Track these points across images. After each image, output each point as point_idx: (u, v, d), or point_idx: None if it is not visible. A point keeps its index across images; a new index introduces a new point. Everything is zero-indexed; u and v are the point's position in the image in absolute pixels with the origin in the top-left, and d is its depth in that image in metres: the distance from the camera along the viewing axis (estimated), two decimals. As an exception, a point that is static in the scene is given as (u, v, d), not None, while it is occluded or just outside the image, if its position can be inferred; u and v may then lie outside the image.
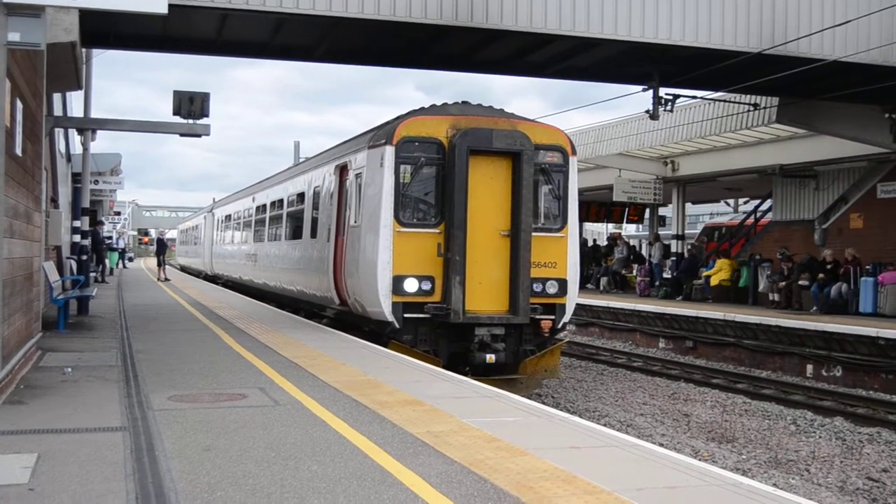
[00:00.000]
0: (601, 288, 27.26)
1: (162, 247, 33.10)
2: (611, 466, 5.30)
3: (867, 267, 18.94)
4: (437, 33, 13.73)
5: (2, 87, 6.80)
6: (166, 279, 29.88)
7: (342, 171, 13.95)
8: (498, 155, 11.81)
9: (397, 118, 12.87)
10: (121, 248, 52.09)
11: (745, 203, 36.28)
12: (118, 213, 64.32)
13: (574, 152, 12.75)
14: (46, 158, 14.75)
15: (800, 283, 20.00)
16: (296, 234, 17.59)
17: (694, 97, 19.43)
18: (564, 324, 12.64)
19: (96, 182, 26.50)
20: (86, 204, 16.48)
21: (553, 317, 12.24)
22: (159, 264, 31.65)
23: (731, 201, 38.76)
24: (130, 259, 49.74)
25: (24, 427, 6.04)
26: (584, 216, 29.12)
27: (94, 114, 18.41)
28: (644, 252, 30.29)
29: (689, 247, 27.23)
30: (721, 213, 40.09)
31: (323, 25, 13.44)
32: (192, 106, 12.70)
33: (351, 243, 12.86)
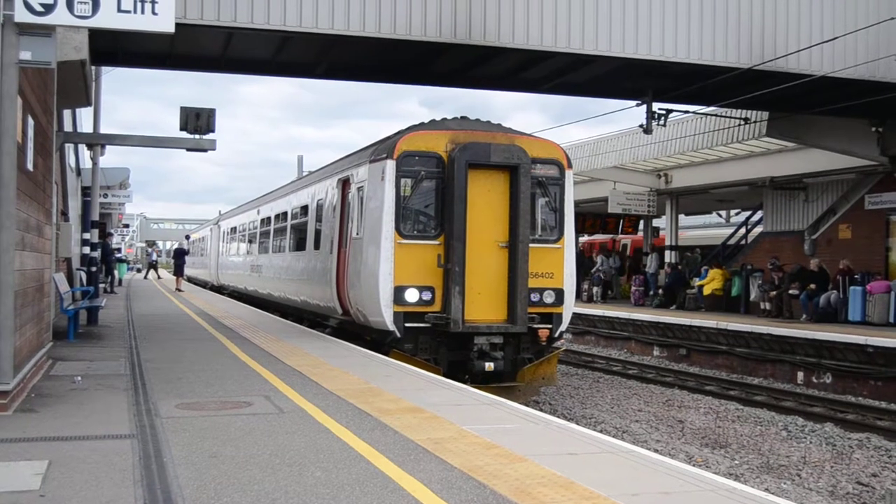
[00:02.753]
0: (593, 298, 27.55)
1: (182, 258, 33.32)
2: (607, 472, 5.34)
3: (856, 276, 19.25)
4: (436, 50, 13.98)
5: (13, 104, 6.94)
6: (178, 290, 30.09)
7: (344, 184, 14.16)
8: (496, 168, 12.01)
9: (398, 133, 13.10)
10: (153, 260, 53.06)
11: (737, 214, 36.63)
12: (127, 226, 64.58)
13: (570, 165, 12.95)
14: (57, 173, 14.87)
15: (790, 292, 20.30)
16: (299, 245, 17.76)
17: (686, 112, 19.68)
18: (561, 332, 12.81)
19: (105, 195, 26.56)
20: (95, 217, 16.64)
21: (550, 326, 12.41)
22: (181, 275, 31.99)
23: (724, 212, 39.15)
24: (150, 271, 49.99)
25: (36, 434, 6.14)
26: (580, 228, 29.39)
27: (104, 129, 18.60)
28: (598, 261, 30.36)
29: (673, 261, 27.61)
30: (712, 224, 40.40)
31: (325, 43, 13.67)
32: (198, 121, 12.88)
33: (353, 255, 13.05)
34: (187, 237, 49.08)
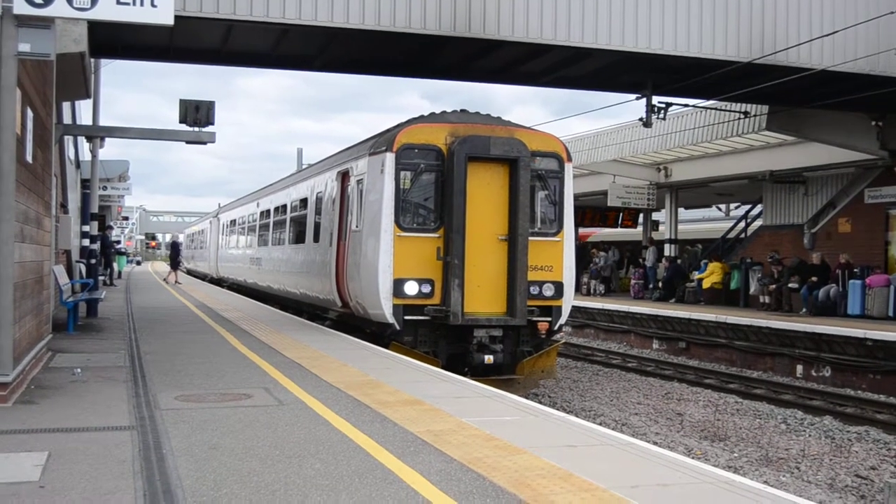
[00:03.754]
0: (591, 291, 27.55)
1: (176, 251, 33.30)
2: (606, 464, 5.37)
3: (855, 270, 19.28)
4: (436, 43, 13.95)
5: (13, 96, 6.94)
6: (177, 282, 30.09)
7: (344, 177, 14.18)
8: (495, 161, 12.02)
9: (397, 126, 13.12)
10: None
11: (737, 208, 36.65)
12: (126, 218, 64.56)
13: (569, 159, 12.97)
14: (56, 165, 14.90)
15: (790, 285, 20.33)
16: (299, 238, 17.79)
17: (686, 105, 19.67)
18: (561, 325, 12.84)
19: (105, 188, 26.65)
20: (94, 209, 16.70)
21: (550, 318, 12.43)
22: (177, 268, 31.94)
23: (723, 206, 39.14)
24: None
25: (35, 426, 6.16)
26: (580, 221, 29.40)
27: (104, 121, 18.65)
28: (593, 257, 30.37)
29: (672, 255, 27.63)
30: (712, 217, 40.42)
31: (324, 36, 13.65)
32: (197, 114, 12.87)
33: (353, 247, 13.07)
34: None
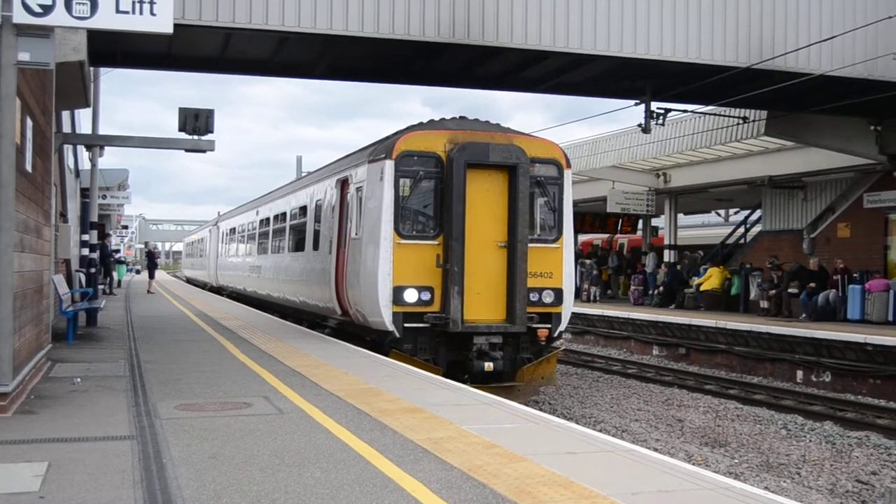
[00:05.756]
0: (592, 298, 27.53)
1: (153, 260, 33.22)
2: (606, 471, 5.37)
3: (855, 275, 19.29)
4: (435, 50, 14.00)
5: (12, 105, 6.93)
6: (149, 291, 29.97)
7: (343, 184, 14.18)
8: (494, 168, 12.02)
9: (396, 133, 13.12)
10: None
11: (736, 213, 36.69)
12: (126, 227, 64.51)
13: (569, 165, 12.97)
14: (56, 174, 14.86)
15: (789, 290, 20.34)
16: (298, 246, 17.78)
17: (685, 111, 19.72)
18: (560, 332, 12.84)
19: (104, 197, 26.64)
20: (94, 218, 16.72)
21: (549, 325, 12.42)
22: (152, 277, 31.80)
23: (722, 211, 39.20)
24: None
25: (35, 436, 6.15)
26: (579, 227, 29.42)
27: (106, 130, 18.69)
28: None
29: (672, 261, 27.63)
30: (711, 223, 40.47)
31: (323, 43, 13.69)
32: (196, 122, 12.89)
33: (352, 255, 13.07)
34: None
